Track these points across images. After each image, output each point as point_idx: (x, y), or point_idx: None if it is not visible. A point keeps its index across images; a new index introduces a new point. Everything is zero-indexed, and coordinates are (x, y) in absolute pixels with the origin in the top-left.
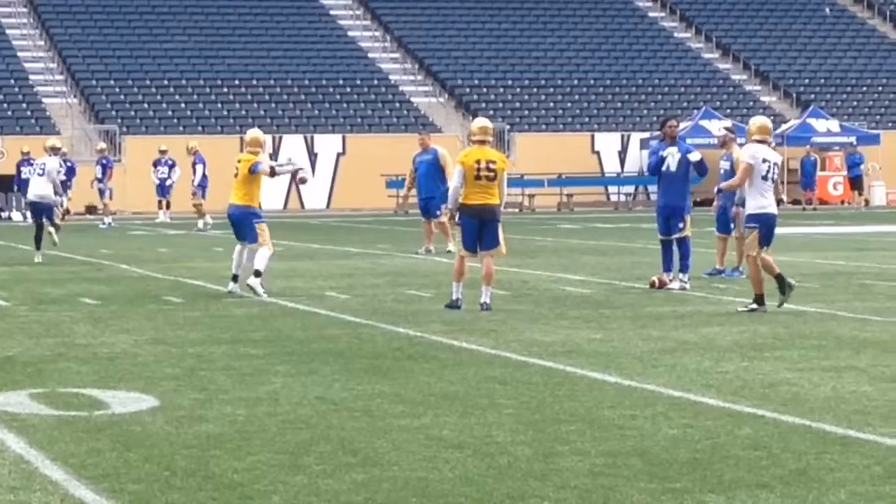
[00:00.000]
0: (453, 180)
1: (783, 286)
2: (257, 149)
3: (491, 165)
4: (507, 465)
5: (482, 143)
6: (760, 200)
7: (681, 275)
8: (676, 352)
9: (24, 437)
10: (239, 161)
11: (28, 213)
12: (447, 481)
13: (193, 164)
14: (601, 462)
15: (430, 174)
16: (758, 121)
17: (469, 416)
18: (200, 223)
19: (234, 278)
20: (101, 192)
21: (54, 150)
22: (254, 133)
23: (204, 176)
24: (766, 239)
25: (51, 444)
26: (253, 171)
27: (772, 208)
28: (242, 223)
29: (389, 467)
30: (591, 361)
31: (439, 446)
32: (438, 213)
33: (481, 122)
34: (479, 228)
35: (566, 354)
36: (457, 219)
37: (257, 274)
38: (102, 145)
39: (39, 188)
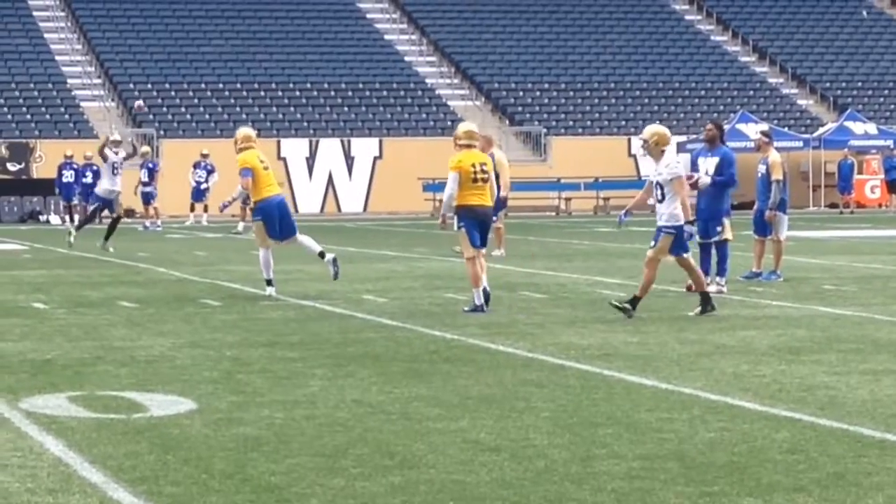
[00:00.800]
0: (448, 186)
1: (705, 302)
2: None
3: (484, 167)
4: (543, 469)
5: (469, 146)
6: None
7: (718, 278)
8: (713, 355)
9: (63, 439)
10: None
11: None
12: (484, 484)
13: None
14: (638, 465)
15: None
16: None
17: (506, 420)
18: (240, 226)
19: (270, 282)
20: (149, 196)
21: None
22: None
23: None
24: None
25: (89, 446)
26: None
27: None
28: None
29: (426, 470)
30: (628, 365)
31: (476, 449)
32: (494, 218)
33: (467, 126)
34: (479, 228)
35: (603, 358)
36: (455, 224)
37: (323, 255)
38: (146, 149)
39: (108, 184)
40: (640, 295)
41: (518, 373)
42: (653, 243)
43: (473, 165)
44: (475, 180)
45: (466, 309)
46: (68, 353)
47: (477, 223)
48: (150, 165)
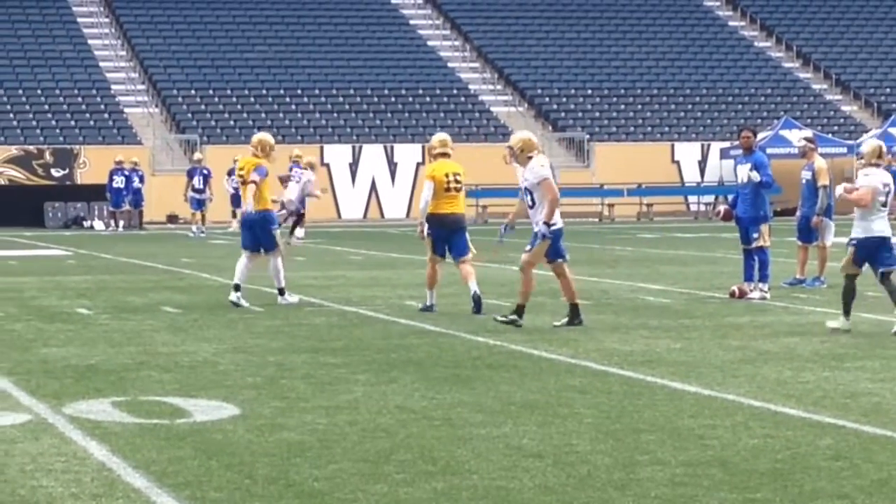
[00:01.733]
0: (424, 194)
1: (574, 315)
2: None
3: (457, 177)
4: (586, 475)
5: (444, 155)
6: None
7: (760, 284)
8: (756, 362)
9: (107, 444)
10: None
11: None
12: (527, 490)
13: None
14: (681, 472)
15: None
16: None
17: (549, 426)
18: (301, 232)
19: (281, 291)
20: (201, 203)
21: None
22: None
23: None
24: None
25: (133, 451)
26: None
27: (560, 224)
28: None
29: (469, 476)
30: (671, 371)
31: (519, 455)
32: None
33: (442, 136)
34: (448, 237)
35: (646, 364)
36: (425, 231)
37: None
38: (199, 155)
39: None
40: (521, 303)
41: (561, 379)
42: (528, 248)
43: (447, 175)
44: (448, 189)
45: (420, 307)
46: (112, 359)
47: (445, 231)
48: (205, 172)
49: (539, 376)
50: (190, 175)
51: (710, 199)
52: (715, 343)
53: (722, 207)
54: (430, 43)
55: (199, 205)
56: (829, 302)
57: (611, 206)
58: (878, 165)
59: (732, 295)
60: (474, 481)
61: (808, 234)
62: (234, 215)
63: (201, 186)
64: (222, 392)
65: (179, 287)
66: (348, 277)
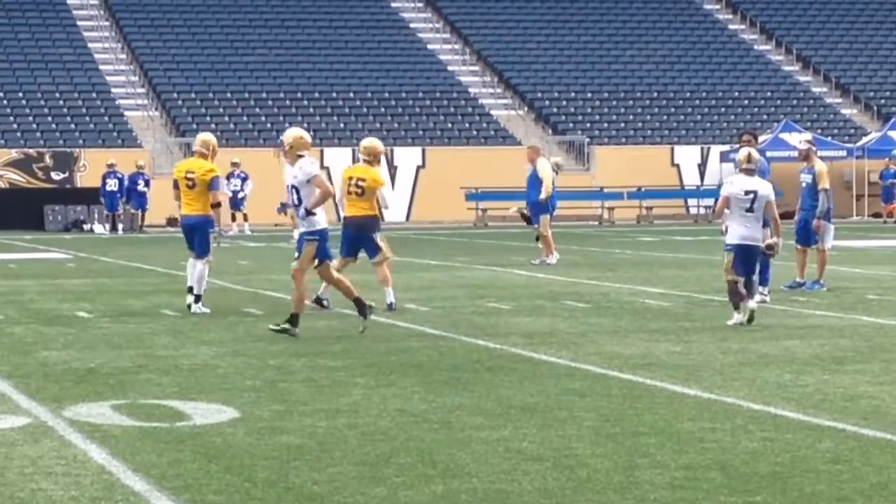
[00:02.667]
0: (336, 194)
1: (362, 309)
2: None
3: (360, 182)
4: (586, 478)
5: (366, 161)
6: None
7: (760, 287)
8: (756, 365)
9: (107, 447)
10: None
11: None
12: (526, 494)
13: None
14: (681, 475)
15: (531, 185)
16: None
17: (548, 429)
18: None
19: (198, 298)
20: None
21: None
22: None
23: None
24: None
25: (132, 454)
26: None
27: (325, 224)
28: None
29: (469, 479)
30: (671, 374)
31: (519, 458)
32: (536, 224)
33: (366, 141)
34: (358, 240)
35: (646, 367)
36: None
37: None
38: (237, 160)
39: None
40: (295, 311)
41: (561, 382)
42: (297, 255)
43: (351, 178)
44: (350, 192)
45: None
46: (112, 362)
47: (350, 234)
48: (242, 176)
49: (539, 379)
50: None
51: (709, 202)
52: (714, 346)
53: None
54: (430, 46)
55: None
56: (829, 305)
57: (611, 209)
58: (748, 171)
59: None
60: (474, 484)
61: (806, 237)
62: (234, 218)
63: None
64: (222, 395)
65: (179, 290)
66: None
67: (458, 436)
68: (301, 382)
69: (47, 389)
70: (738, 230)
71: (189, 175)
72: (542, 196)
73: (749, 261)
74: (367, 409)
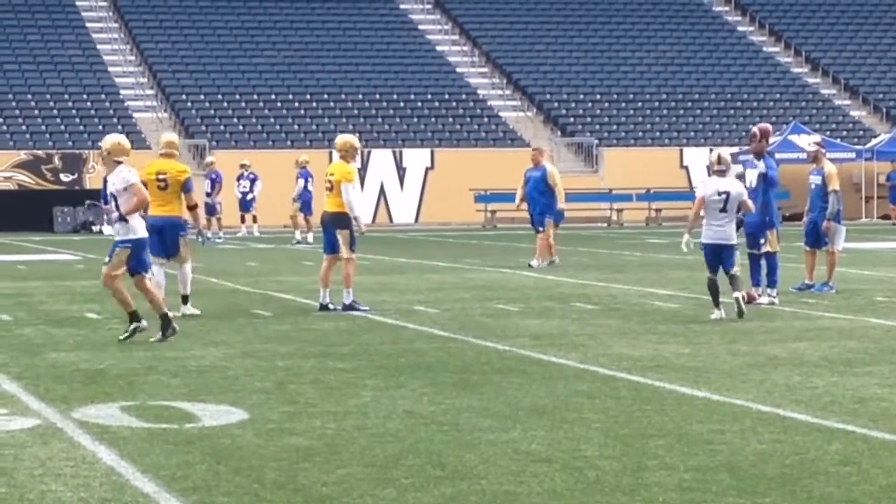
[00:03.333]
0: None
1: (165, 326)
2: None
3: (329, 178)
4: (595, 480)
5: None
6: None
7: (768, 290)
8: (765, 367)
9: (116, 449)
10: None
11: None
12: (535, 495)
13: (297, 178)
14: (689, 477)
15: (538, 189)
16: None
17: (557, 430)
18: (299, 235)
19: (185, 299)
20: (212, 208)
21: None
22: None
23: (307, 191)
24: None
25: (141, 456)
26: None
27: (142, 234)
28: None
29: (477, 481)
30: (680, 376)
31: (527, 460)
32: (541, 228)
33: (339, 137)
34: (327, 234)
35: (654, 369)
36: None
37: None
38: (211, 159)
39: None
40: (128, 311)
41: (569, 384)
42: (107, 259)
43: (326, 174)
44: (326, 188)
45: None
46: (121, 363)
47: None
48: (213, 176)
49: (547, 381)
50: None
51: None
52: (723, 348)
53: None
54: (438, 48)
55: (209, 210)
56: (838, 307)
57: (619, 210)
58: (719, 173)
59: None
60: (482, 486)
61: (816, 238)
62: (243, 220)
63: (209, 191)
64: (231, 397)
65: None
66: (356, 282)
67: (467, 438)
68: (310, 384)
69: (56, 391)
70: (710, 230)
71: (161, 176)
72: (561, 205)
73: (722, 258)
74: (376, 411)
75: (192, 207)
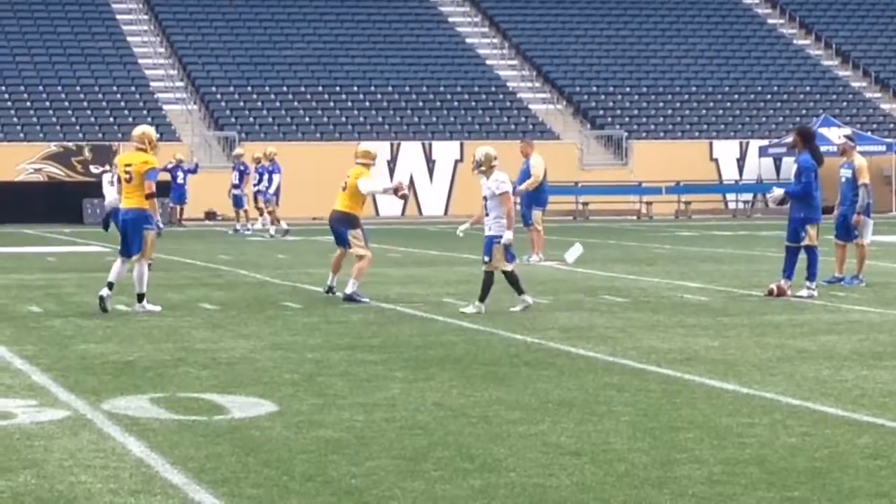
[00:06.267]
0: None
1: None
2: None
3: (127, 169)
4: (624, 473)
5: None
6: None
7: (807, 282)
8: (795, 360)
9: (145, 441)
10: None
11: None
12: (564, 488)
13: (270, 173)
14: (719, 470)
15: (523, 181)
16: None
17: (586, 423)
18: (272, 230)
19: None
20: (239, 199)
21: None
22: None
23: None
24: None
25: (171, 448)
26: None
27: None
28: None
29: (506, 473)
30: (709, 369)
31: (556, 453)
32: (529, 222)
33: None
34: (335, 232)
35: (684, 362)
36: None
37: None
38: (240, 150)
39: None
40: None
41: (599, 377)
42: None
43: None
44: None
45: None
46: (150, 355)
47: (330, 226)
48: (241, 168)
49: (577, 374)
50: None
51: (748, 196)
52: (753, 341)
53: (779, 192)
54: (468, 40)
55: (237, 202)
56: (868, 300)
57: (649, 203)
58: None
59: (770, 293)
60: (511, 479)
61: (846, 232)
62: (261, 213)
63: (237, 182)
64: (260, 389)
65: (217, 284)
66: (386, 275)
67: (496, 430)
68: (339, 376)
69: (86, 382)
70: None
71: (127, 168)
72: (522, 187)
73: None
74: (405, 404)
75: (148, 196)
